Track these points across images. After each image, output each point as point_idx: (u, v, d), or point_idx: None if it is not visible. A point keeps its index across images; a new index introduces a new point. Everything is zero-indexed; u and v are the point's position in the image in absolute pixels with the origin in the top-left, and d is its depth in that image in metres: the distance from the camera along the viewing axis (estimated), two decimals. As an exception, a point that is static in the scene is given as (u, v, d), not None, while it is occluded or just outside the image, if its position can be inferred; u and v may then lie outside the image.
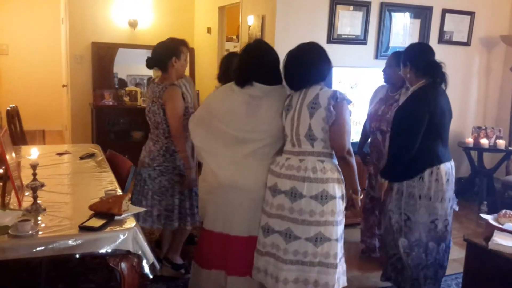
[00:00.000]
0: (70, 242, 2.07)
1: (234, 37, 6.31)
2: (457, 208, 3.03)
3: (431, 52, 2.96)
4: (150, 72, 6.86)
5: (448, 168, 2.88)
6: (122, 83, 6.66)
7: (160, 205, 3.11)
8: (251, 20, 5.01)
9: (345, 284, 2.62)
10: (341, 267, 2.57)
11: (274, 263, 2.51)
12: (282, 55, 4.37)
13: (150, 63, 3.17)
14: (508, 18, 5.56)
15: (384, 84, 3.62)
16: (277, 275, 2.49)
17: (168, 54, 3.08)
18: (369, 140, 3.65)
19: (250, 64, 2.64)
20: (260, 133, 2.61)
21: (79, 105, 6.39)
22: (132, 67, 6.82)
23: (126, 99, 6.45)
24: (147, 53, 6.61)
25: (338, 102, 2.46)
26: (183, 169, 3.08)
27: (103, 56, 6.38)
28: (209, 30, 6.38)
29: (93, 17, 6.27)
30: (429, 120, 2.79)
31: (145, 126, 3.74)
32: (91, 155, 3.61)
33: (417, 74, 2.91)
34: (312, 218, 2.44)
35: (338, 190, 2.49)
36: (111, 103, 6.26)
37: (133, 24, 6.44)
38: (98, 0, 6.25)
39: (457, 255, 3.82)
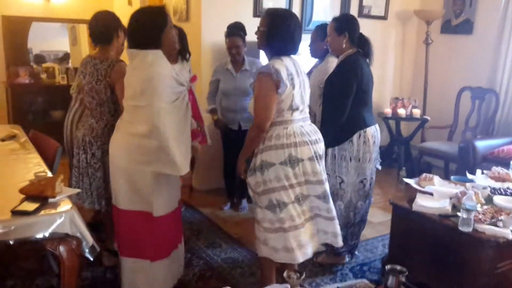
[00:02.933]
0: (2, 228, 1.97)
1: (157, 10, 6.13)
2: (379, 167, 3.23)
3: (359, 26, 3.10)
4: (67, 48, 6.56)
5: (373, 131, 3.07)
6: (38, 59, 6.28)
7: (104, 186, 2.97)
8: (175, -7, 4.89)
9: None
10: None
11: (324, 222, 2.62)
12: (209, 29, 4.40)
13: (96, 38, 2.93)
14: (420, -7, 5.89)
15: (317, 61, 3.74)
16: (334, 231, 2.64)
17: (114, 25, 2.90)
18: None
19: None
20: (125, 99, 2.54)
21: (-9, 84, 5.96)
22: (47, 42, 6.45)
23: (43, 76, 6.12)
24: (63, 27, 6.40)
25: None
26: None
27: (15, 30, 5.95)
28: (130, 2, 6.15)
29: (2, -12, 5.82)
30: (357, 87, 2.95)
31: (65, 104, 3.56)
32: (12, 137, 3.40)
33: (351, 43, 3.03)
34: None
35: None
36: (27, 81, 5.90)
37: (47, -4, 6.05)
38: (7, -29, 5.81)
39: (381, 218, 4.10)
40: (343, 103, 2.94)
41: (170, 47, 2.52)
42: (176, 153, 2.40)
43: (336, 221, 2.64)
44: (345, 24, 3.06)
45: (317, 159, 2.54)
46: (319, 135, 2.61)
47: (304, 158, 2.50)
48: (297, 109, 2.52)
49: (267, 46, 2.54)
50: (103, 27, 2.91)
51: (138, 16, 2.46)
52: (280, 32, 2.47)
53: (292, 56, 2.57)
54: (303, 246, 2.55)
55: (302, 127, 2.54)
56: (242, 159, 2.62)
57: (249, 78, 3.97)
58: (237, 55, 3.97)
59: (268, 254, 2.58)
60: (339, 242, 2.66)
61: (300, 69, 2.58)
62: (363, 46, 3.04)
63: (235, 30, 3.96)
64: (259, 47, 2.62)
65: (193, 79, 2.79)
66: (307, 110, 2.63)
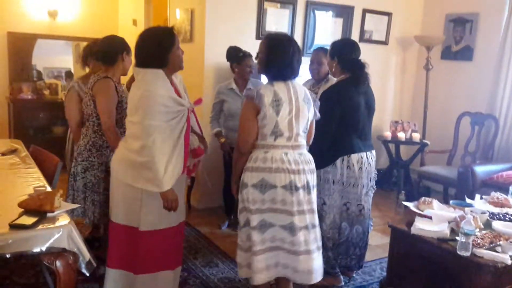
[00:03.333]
0: (0, 241, 1.96)
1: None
2: (371, 195, 3.19)
3: (357, 50, 3.12)
4: (70, 65, 6.62)
5: (361, 157, 3.05)
6: (40, 76, 6.34)
7: (85, 200, 3.02)
8: (179, 14, 4.97)
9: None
10: None
11: (285, 255, 2.55)
12: (213, 50, 4.45)
13: (100, 57, 3.00)
14: (420, 19, 5.97)
15: (309, 79, 3.76)
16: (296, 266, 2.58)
17: (119, 48, 2.95)
18: None
19: None
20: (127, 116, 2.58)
21: (-6, 98, 6.01)
22: (51, 59, 6.51)
23: (46, 92, 6.17)
24: (67, 45, 6.47)
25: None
26: None
27: (20, 47, 6.04)
28: (134, 22, 6.24)
29: (8, 5, 5.90)
30: (341, 115, 2.96)
31: (67, 121, 3.60)
32: (13, 151, 3.42)
33: (342, 68, 3.06)
34: (314, 206, 2.60)
35: None
36: (30, 96, 5.95)
37: (53, 14, 6.14)
38: (14, -12, 5.92)
39: (379, 241, 4.08)
40: (324, 130, 2.92)
41: (176, 67, 2.57)
42: (160, 170, 2.39)
43: (301, 257, 2.52)
44: (336, 48, 3.12)
45: (292, 189, 2.48)
46: (306, 166, 2.54)
47: (277, 185, 2.47)
48: (281, 135, 2.49)
49: (265, 71, 2.57)
50: (108, 48, 2.97)
51: (146, 36, 2.53)
52: (277, 58, 2.50)
53: (292, 81, 2.56)
54: (255, 272, 2.53)
55: (286, 154, 2.49)
56: (233, 180, 2.68)
57: None
58: (249, 75, 4.03)
59: (246, 274, 2.62)
60: (300, 279, 2.57)
61: (298, 96, 2.53)
62: (357, 71, 3.02)
63: (245, 52, 4.02)
64: (259, 72, 2.67)
65: (198, 101, 2.81)
66: (300, 138, 2.56)
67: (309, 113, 2.59)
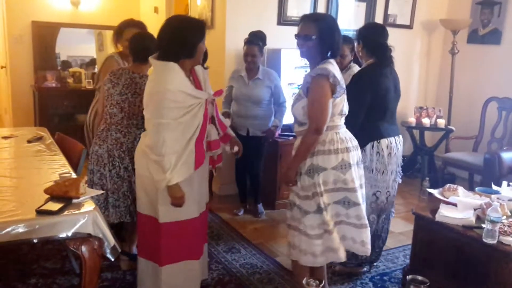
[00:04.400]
0: (27, 226, 2.00)
1: (182, 17, 6.20)
2: (400, 181, 3.15)
3: (383, 34, 3.05)
4: (93, 53, 6.67)
5: (390, 143, 2.99)
6: (65, 64, 6.42)
7: (132, 194, 2.97)
8: (200, 0, 4.95)
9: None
10: None
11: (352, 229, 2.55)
12: (234, 36, 4.43)
13: (135, 55, 2.98)
14: (446, 2, 5.82)
15: None
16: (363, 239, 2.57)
17: (152, 49, 2.81)
18: None
19: None
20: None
21: (19, 87, 6.11)
22: (74, 47, 6.58)
23: (70, 80, 6.25)
24: (90, 33, 6.52)
25: None
26: None
27: (44, 35, 6.12)
28: (156, 10, 6.25)
29: (32, -6, 5.98)
30: (372, 98, 2.91)
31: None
32: (39, 138, 3.48)
33: (367, 52, 3.02)
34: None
35: None
36: (54, 85, 6.04)
37: (75, 3, 6.19)
38: (37, -23, 5.98)
39: (402, 228, 4.04)
40: (354, 115, 2.76)
41: (197, 61, 2.53)
42: (167, 167, 2.35)
43: (362, 230, 2.54)
44: (361, 32, 3.09)
45: (360, 164, 2.57)
46: (355, 141, 2.59)
47: (352, 164, 2.48)
48: (344, 114, 2.53)
49: (319, 53, 2.46)
50: (141, 50, 2.93)
51: (176, 24, 2.46)
52: (332, 36, 2.45)
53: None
54: (334, 251, 2.52)
55: (346, 132, 2.55)
56: (296, 166, 2.47)
57: (261, 87, 4.02)
58: (252, 64, 3.99)
59: (311, 262, 2.53)
60: (358, 250, 2.58)
61: (340, 74, 2.54)
62: (380, 55, 2.97)
63: (254, 39, 4.00)
64: (305, 55, 2.53)
65: (218, 93, 2.75)
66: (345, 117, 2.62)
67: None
